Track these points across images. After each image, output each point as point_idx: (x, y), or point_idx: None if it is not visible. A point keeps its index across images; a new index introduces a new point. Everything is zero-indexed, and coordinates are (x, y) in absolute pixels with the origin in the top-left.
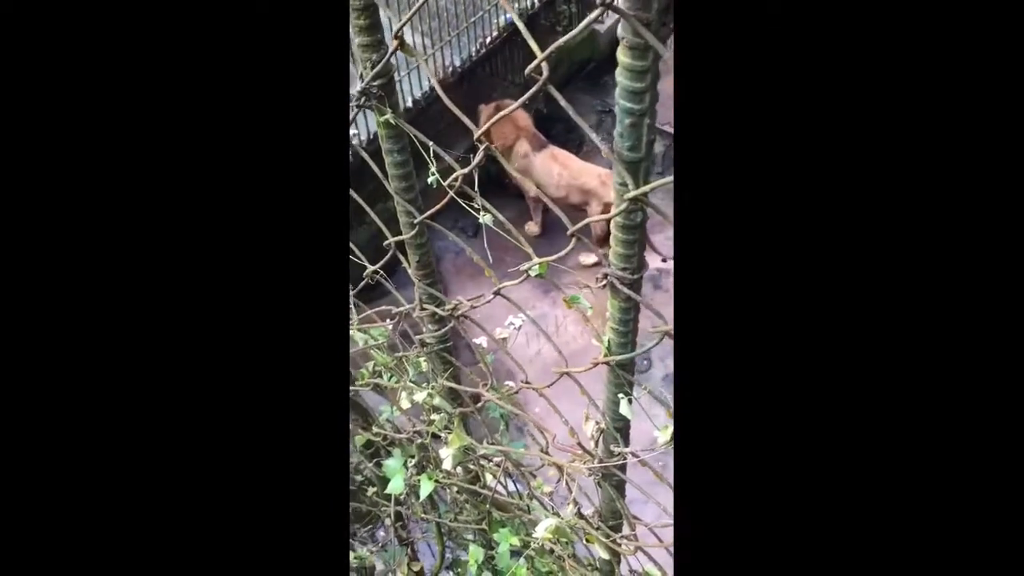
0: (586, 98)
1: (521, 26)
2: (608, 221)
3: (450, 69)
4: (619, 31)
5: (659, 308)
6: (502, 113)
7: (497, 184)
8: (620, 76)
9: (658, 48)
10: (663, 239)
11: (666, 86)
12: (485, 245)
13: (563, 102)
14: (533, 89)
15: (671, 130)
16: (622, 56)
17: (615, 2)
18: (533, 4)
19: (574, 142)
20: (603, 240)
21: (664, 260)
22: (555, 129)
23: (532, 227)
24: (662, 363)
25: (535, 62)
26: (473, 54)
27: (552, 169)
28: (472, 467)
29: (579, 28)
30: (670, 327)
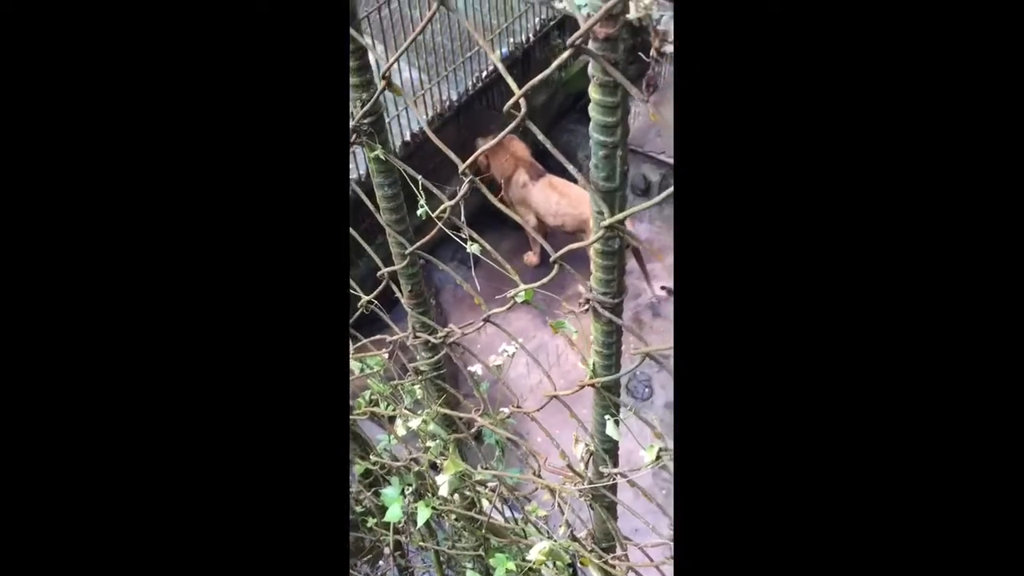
0: (582, 129)
1: (501, 68)
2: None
3: (447, 103)
4: (590, 70)
5: (659, 335)
6: (481, 150)
7: (497, 215)
8: (593, 111)
9: (626, 85)
10: (661, 267)
11: (665, 113)
12: (474, 275)
13: (540, 136)
14: (512, 126)
15: (666, 159)
16: (594, 93)
17: (585, 44)
18: (528, 39)
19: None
20: None
21: (663, 288)
22: (553, 159)
23: (531, 257)
24: (664, 391)
25: (512, 99)
26: (470, 88)
27: (551, 198)
28: (468, 493)
29: (549, 70)
30: (650, 348)
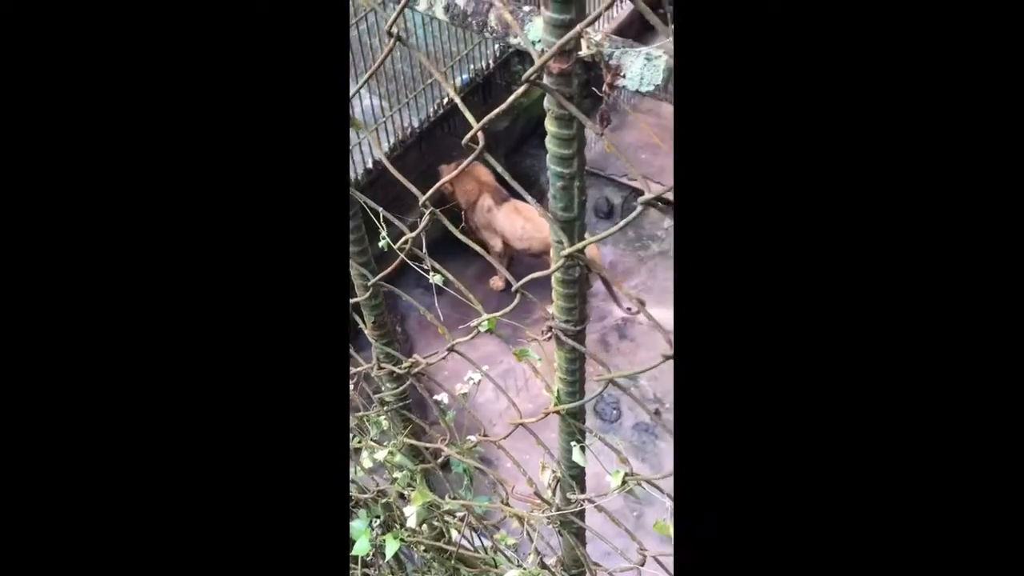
0: (544, 154)
1: (458, 102)
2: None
3: (408, 130)
4: (545, 103)
5: (626, 356)
6: (440, 183)
7: (461, 241)
8: (549, 144)
9: (580, 118)
10: (627, 288)
11: (624, 138)
12: (436, 304)
13: (499, 168)
14: (470, 158)
15: (628, 182)
16: (550, 126)
17: (540, 79)
18: (488, 65)
19: (534, 197)
20: None
21: (629, 311)
22: (518, 183)
23: (497, 282)
24: (631, 412)
25: (471, 133)
26: (431, 115)
27: (516, 222)
28: (437, 524)
29: (505, 104)
30: (613, 374)
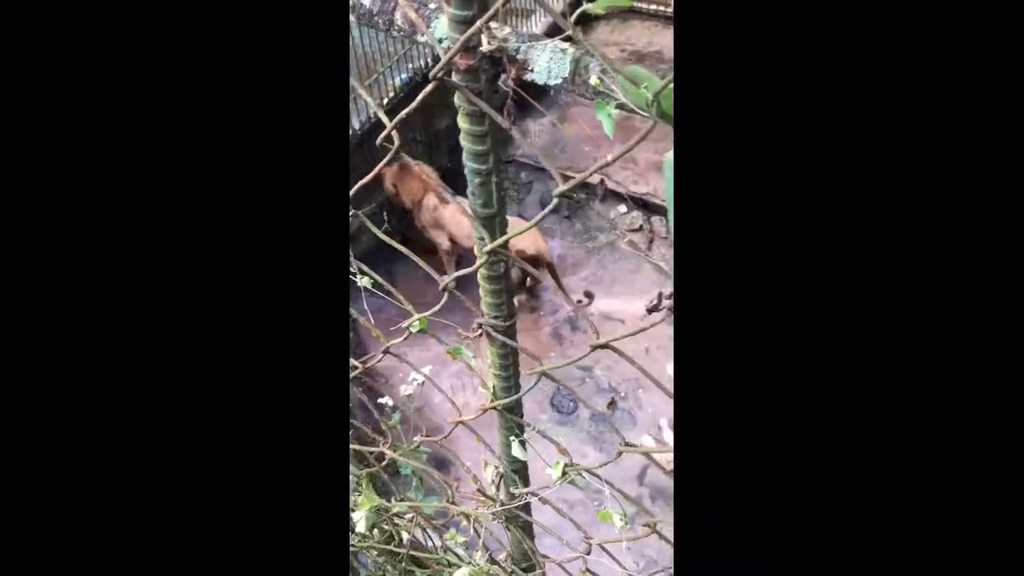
0: None
1: (375, 107)
2: (523, 270)
3: (350, 131)
4: (456, 100)
5: (579, 349)
6: (359, 184)
7: (411, 242)
8: (463, 141)
9: (491, 113)
10: (577, 280)
11: (567, 131)
12: (367, 308)
13: (415, 166)
14: (388, 157)
15: (571, 175)
16: (462, 123)
17: (449, 76)
18: (427, 64)
19: None
20: (519, 286)
21: (579, 303)
22: (460, 181)
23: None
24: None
25: (384, 132)
26: (372, 115)
27: (462, 221)
28: (387, 527)
29: (416, 102)
30: (544, 367)
